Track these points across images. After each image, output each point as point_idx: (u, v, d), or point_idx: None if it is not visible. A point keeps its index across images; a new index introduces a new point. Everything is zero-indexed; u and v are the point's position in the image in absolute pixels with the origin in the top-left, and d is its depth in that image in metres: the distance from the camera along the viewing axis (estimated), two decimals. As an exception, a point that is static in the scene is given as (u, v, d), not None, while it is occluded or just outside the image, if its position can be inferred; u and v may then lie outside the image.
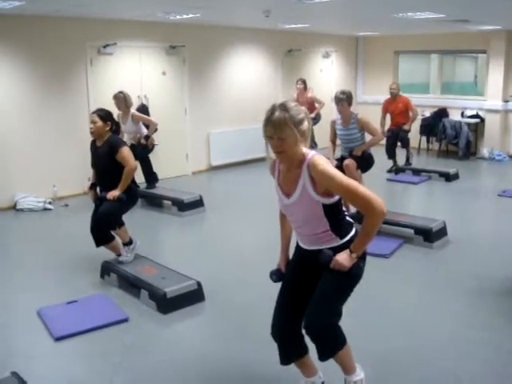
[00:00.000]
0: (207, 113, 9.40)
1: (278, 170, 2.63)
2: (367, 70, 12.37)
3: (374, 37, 11.86)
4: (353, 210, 4.94)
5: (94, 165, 4.70)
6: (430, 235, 5.40)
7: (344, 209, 2.64)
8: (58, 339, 3.64)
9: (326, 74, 11.69)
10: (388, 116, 9.09)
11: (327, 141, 6.26)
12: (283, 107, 2.41)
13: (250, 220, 6.58)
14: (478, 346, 3.49)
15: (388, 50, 11.88)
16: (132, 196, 4.69)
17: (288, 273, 2.78)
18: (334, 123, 6.09)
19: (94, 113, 4.60)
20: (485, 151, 10.41)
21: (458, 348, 3.48)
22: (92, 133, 4.57)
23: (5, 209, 7.09)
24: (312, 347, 2.67)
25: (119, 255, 4.75)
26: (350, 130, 5.88)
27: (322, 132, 8.52)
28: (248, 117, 9.71)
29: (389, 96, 9.07)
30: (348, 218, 2.65)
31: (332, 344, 2.61)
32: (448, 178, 8.47)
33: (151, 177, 7.48)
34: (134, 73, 8.32)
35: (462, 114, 10.78)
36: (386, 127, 9.06)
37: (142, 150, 7.01)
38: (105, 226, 4.62)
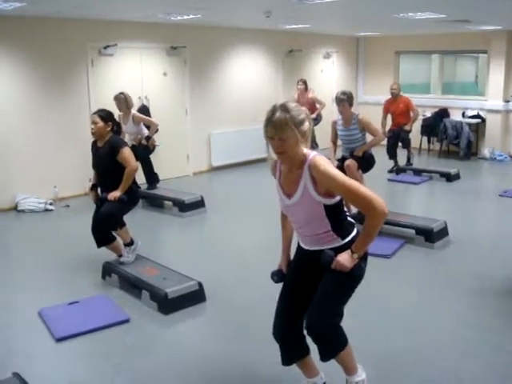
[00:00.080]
0: (208, 113, 9.39)
1: (280, 170, 2.63)
2: (368, 71, 12.36)
3: (374, 37, 11.85)
4: (354, 210, 4.93)
5: (95, 165, 4.70)
6: (431, 235, 5.40)
7: (345, 209, 2.64)
8: (60, 340, 3.65)
9: (327, 75, 11.68)
10: (389, 116, 9.08)
11: (328, 141, 6.25)
12: (284, 108, 2.41)
13: (251, 220, 6.58)
14: (479, 346, 3.48)
15: (389, 51, 11.87)
16: (133, 197, 4.69)
17: (289, 273, 2.78)
18: (334, 124, 6.09)
19: (94, 113, 4.59)
20: (486, 151, 10.41)
21: (459, 348, 3.47)
22: (93, 133, 4.57)
23: (6, 210, 7.10)
24: (314, 348, 2.67)
25: (120, 256, 4.75)
26: (351, 130, 5.88)
27: (322, 133, 8.53)
28: (249, 117, 9.71)
29: (390, 96, 9.07)
30: (349, 219, 2.65)
31: (333, 344, 2.60)
32: (449, 178, 8.47)
33: (152, 177, 7.48)
34: (134, 74, 8.32)
35: (463, 114, 10.78)
36: (387, 127, 9.05)
37: (143, 151, 7.01)
38: (106, 227, 4.62)
